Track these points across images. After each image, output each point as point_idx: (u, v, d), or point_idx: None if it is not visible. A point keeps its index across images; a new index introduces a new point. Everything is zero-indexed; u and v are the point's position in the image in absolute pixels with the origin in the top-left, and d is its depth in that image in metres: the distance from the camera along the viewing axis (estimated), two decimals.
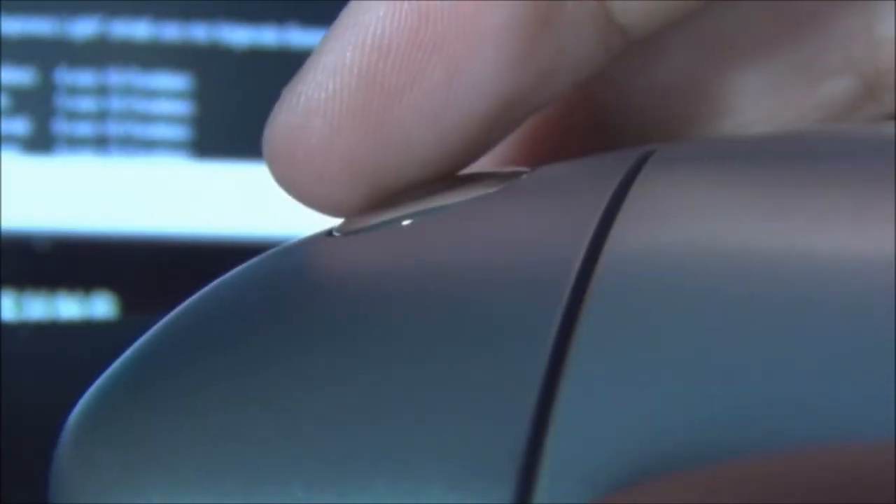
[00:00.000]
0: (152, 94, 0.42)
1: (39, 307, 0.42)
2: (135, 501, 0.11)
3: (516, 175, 0.14)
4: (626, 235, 0.11)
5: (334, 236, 0.14)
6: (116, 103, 0.43)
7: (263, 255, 0.14)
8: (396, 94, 0.14)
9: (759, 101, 0.17)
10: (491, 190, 0.14)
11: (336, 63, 0.14)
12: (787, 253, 0.11)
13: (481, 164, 0.15)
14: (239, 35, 0.42)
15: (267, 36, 0.42)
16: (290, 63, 0.16)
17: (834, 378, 0.10)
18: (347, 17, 0.14)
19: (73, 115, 0.42)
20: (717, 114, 0.17)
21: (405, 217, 0.13)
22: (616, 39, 0.15)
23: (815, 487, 0.09)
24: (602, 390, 0.10)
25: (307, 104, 0.14)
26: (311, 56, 0.15)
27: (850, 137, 0.14)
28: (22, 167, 0.42)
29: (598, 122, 0.18)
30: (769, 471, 0.09)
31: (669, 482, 0.09)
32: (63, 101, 0.42)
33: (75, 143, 0.42)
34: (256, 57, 0.42)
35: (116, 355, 0.13)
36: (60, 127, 0.42)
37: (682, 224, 0.12)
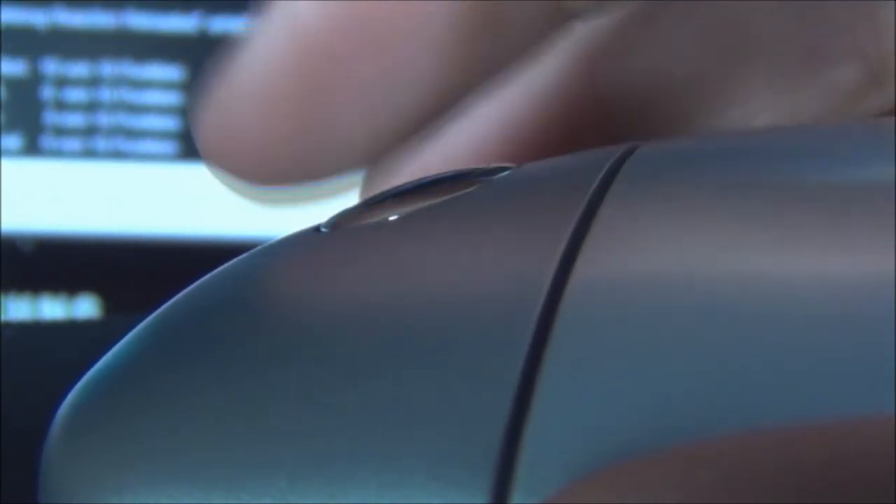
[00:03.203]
0: (143, 84, 0.42)
1: (23, 308, 0.42)
2: (122, 498, 0.11)
3: (499, 171, 0.14)
4: (601, 242, 0.12)
5: (321, 233, 0.14)
6: (107, 94, 0.42)
7: (251, 252, 0.14)
8: (334, 90, 0.14)
9: (763, 90, 0.17)
10: (471, 189, 0.14)
11: (263, 63, 0.14)
12: (761, 258, 0.11)
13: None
14: (231, 25, 0.42)
15: None
16: None
17: (810, 356, 0.10)
18: (279, 8, 0.14)
19: (63, 106, 0.42)
20: (723, 103, 0.17)
21: (389, 216, 0.13)
22: (563, 19, 0.15)
23: (793, 464, 0.09)
24: (580, 377, 0.10)
25: (241, 93, 0.14)
26: (244, 45, 0.14)
27: (837, 138, 0.14)
28: (8, 169, 0.42)
29: (602, 114, 0.18)
30: (744, 448, 0.09)
31: (647, 461, 0.09)
32: (52, 93, 0.42)
33: (64, 135, 0.42)
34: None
35: (100, 354, 0.13)
36: (50, 118, 0.42)
37: (656, 228, 0.12)
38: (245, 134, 0.14)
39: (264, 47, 0.14)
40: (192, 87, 0.42)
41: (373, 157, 0.15)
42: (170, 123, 0.42)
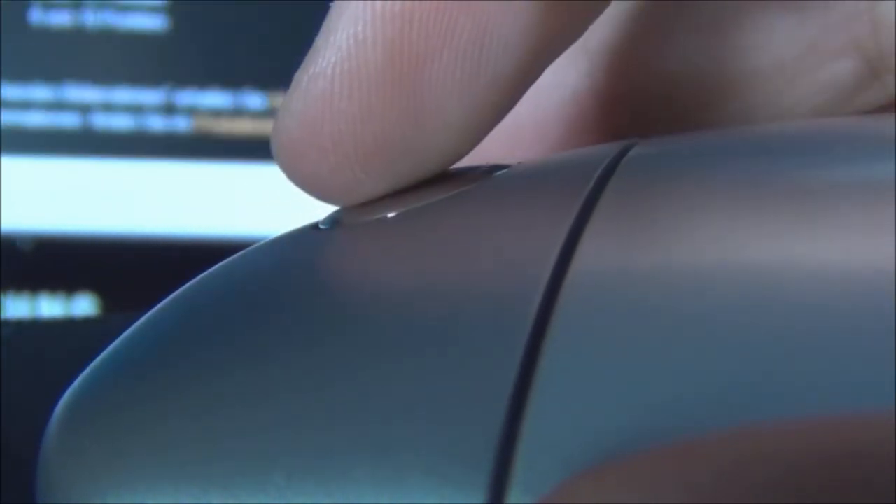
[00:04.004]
0: None
1: (22, 307, 0.42)
2: (120, 497, 0.11)
3: (497, 170, 0.14)
4: (598, 238, 0.12)
5: (320, 230, 0.14)
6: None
7: (247, 250, 0.14)
8: (425, 62, 0.13)
9: (763, 85, 0.17)
10: (468, 187, 0.14)
11: (352, 41, 0.13)
12: (758, 253, 0.11)
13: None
14: None
15: None
16: None
17: (806, 352, 0.10)
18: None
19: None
20: (722, 98, 0.17)
21: (387, 214, 0.13)
22: None
23: (790, 460, 0.09)
24: (576, 375, 0.10)
25: (327, 89, 0.13)
26: (318, 38, 0.14)
27: (834, 134, 0.14)
28: (8, 169, 0.42)
29: (599, 112, 0.18)
30: (740, 445, 0.09)
31: (643, 458, 0.09)
32: None
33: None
34: None
35: (98, 352, 0.13)
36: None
37: (653, 225, 0.12)
38: (342, 128, 0.13)
39: (345, 34, 0.13)
40: None
41: (474, 138, 0.14)
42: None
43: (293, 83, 0.14)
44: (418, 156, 0.14)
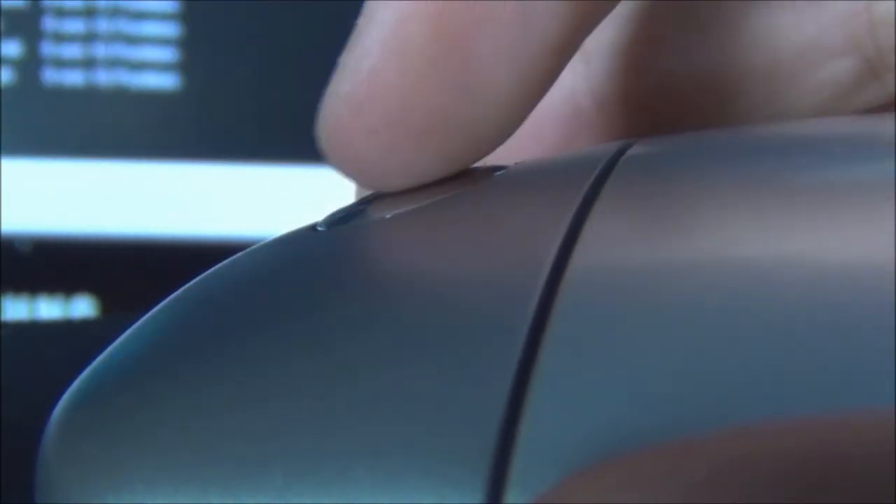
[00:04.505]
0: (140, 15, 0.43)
1: (21, 308, 0.42)
2: (119, 498, 0.11)
3: (494, 171, 0.14)
4: (596, 239, 0.12)
5: (317, 231, 0.14)
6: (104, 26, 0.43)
7: (245, 251, 0.14)
8: (472, 30, 0.13)
9: (761, 84, 0.17)
10: (467, 187, 0.14)
11: (397, 16, 0.13)
12: (754, 253, 0.11)
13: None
14: None
15: None
16: None
17: (803, 350, 0.10)
18: None
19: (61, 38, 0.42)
20: (721, 98, 0.17)
21: (385, 215, 0.14)
22: None
23: (787, 459, 0.09)
24: (574, 375, 0.10)
25: (375, 66, 0.13)
26: (361, 20, 0.13)
27: (833, 133, 0.14)
28: (6, 169, 0.42)
29: (597, 113, 0.18)
30: (737, 444, 0.09)
31: (640, 457, 0.09)
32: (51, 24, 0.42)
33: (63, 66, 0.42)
34: None
35: (97, 354, 0.13)
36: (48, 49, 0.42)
37: (650, 226, 0.12)
38: (393, 105, 0.13)
39: (389, 12, 0.13)
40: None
41: (525, 109, 0.14)
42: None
43: (338, 67, 0.13)
44: (471, 130, 0.14)
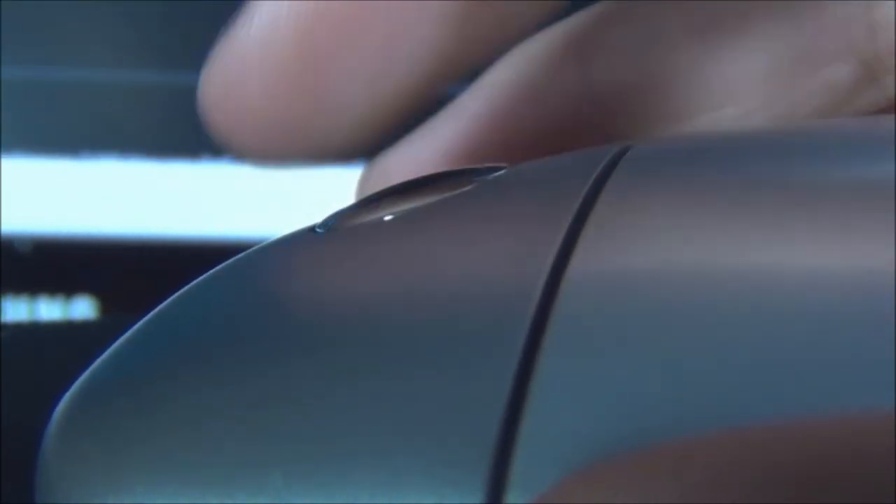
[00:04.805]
0: None
1: (21, 310, 0.42)
2: (119, 498, 0.11)
3: (492, 171, 0.14)
4: (595, 241, 0.12)
5: (317, 233, 0.14)
6: None
7: (245, 253, 0.14)
8: (332, 58, 0.14)
9: (758, 88, 0.17)
10: (465, 189, 0.14)
11: (272, 24, 0.14)
12: (753, 255, 0.11)
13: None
14: None
15: None
16: None
17: (802, 351, 0.10)
18: None
19: None
20: (717, 101, 0.17)
21: (384, 216, 0.14)
22: None
23: (787, 461, 0.09)
24: (573, 375, 0.10)
25: (243, 62, 0.14)
26: (250, 5, 0.14)
27: (831, 136, 0.14)
28: (6, 170, 0.42)
29: (595, 114, 0.18)
30: (736, 445, 0.09)
31: (640, 458, 0.09)
32: None
33: None
34: None
35: (97, 355, 0.13)
36: None
37: (650, 228, 0.12)
38: (250, 103, 0.14)
39: (270, 16, 0.14)
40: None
41: (375, 134, 0.15)
42: None
43: (220, 44, 0.14)
44: (317, 143, 0.14)
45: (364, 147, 0.15)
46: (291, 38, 0.14)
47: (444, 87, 0.15)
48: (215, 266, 0.14)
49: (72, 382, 0.13)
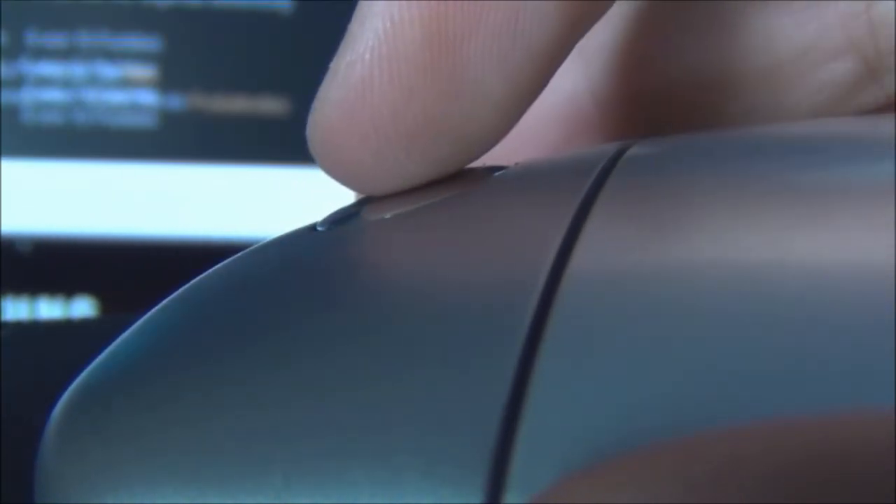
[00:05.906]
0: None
1: (21, 309, 0.42)
2: (118, 498, 0.11)
3: (494, 171, 0.14)
4: (595, 240, 0.12)
5: (317, 231, 0.14)
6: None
7: (245, 251, 0.14)
8: (463, 39, 0.13)
9: (761, 86, 0.17)
10: (466, 188, 0.14)
11: (388, 21, 0.13)
12: (753, 254, 0.11)
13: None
14: None
15: None
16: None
17: (802, 350, 0.10)
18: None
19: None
20: (720, 99, 0.17)
21: (384, 215, 0.14)
22: None
23: (785, 458, 0.09)
24: (573, 375, 0.10)
25: (366, 73, 0.13)
26: (351, 25, 0.14)
27: (832, 134, 0.14)
28: (6, 170, 0.42)
29: (597, 113, 0.18)
30: (735, 443, 0.09)
31: (639, 457, 0.09)
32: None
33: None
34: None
35: (97, 354, 0.13)
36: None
37: (649, 226, 0.12)
38: (383, 112, 0.13)
39: (381, 18, 0.13)
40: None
41: (513, 119, 0.14)
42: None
43: (329, 73, 0.14)
44: (461, 135, 0.14)
45: (501, 139, 0.15)
46: (419, 34, 0.13)
47: (566, 55, 0.15)
48: (214, 265, 0.14)
49: (71, 381, 0.13)
